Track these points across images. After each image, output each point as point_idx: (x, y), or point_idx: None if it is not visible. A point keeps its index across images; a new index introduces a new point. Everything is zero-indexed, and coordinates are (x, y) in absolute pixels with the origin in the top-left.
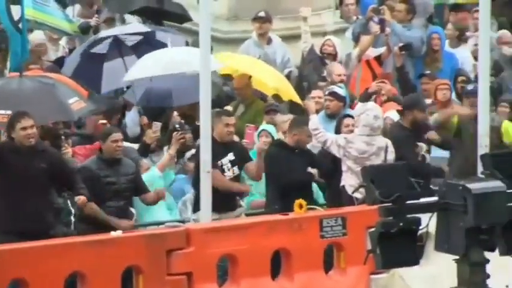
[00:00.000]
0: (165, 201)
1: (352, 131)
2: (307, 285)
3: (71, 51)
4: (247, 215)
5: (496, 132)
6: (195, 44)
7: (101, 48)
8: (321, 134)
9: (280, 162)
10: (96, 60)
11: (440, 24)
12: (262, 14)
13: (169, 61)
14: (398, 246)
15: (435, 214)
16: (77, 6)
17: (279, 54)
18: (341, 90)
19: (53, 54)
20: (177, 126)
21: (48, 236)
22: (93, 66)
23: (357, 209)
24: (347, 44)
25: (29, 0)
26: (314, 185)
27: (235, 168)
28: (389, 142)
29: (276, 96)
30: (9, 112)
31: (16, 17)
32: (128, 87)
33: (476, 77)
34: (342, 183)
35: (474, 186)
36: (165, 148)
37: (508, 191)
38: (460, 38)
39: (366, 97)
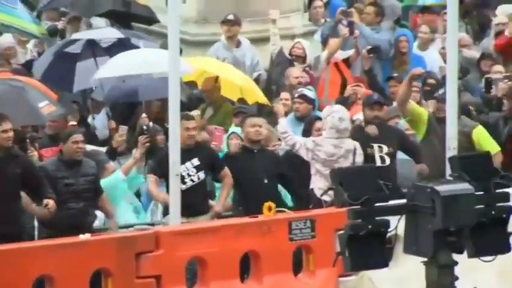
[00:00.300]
0: (131, 204)
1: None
2: (276, 287)
3: (39, 54)
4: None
5: (466, 137)
6: (164, 47)
7: (75, 48)
8: (289, 137)
9: (239, 164)
10: (69, 59)
11: (407, 27)
12: (231, 17)
13: (140, 61)
14: (367, 249)
15: (404, 216)
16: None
17: (248, 57)
18: (310, 93)
19: (22, 57)
20: (144, 128)
21: (21, 239)
22: (66, 66)
23: (326, 211)
24: (316, 47)
25: None
26: (281, 187)
27: (201, 174)
28: (357, 145)
29: (242, 100)
30: None
31: None
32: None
33: (443, 78)
34: (310, 186)
35: (442, 188)
36: (134, 151)
37: (476, 193)
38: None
39: (341, 101)
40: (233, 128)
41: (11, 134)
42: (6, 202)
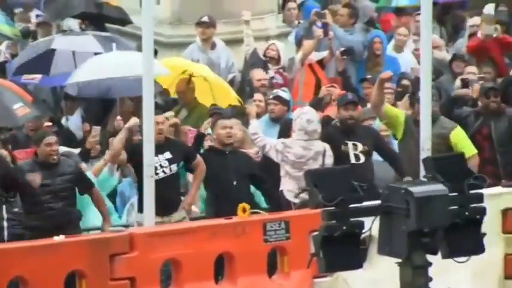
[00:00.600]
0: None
1: None
2: None
3: (12, 56)
4: (190, 219)
5: (444, 138)
6: (140, 49)
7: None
8: (259, 139)
9: (210, 165)
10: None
11: (380, 28)
12: (205, 19)
13: (114, 65)
14: (342, 250)
15: (378, 217)
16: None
17: (223, 59)
18: (285, 94)
19: None
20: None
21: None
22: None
23: (300, 212)
24: (290, 48)
25: None
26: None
27: (173, 166)
28: (327, 146)
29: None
30: None
31: None
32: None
33: (416, 79)
34: (280, 188)
35: (416, 189)
36: (107, 152)
37: (450, 194)
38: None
39: (316, 102)
40: (209, 130)
41: None
42: None
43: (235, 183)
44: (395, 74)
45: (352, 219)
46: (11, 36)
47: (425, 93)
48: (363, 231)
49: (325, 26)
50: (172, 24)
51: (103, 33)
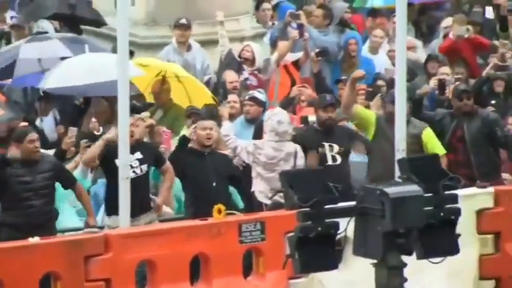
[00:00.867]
0: (74, 207)
1: None
2: None
3: None
4: (164, 220)
5: (416, 138)
6: (115, 50)
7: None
8: (231, 140)
9: (189, 167)
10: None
11: (356, 30)
12: (184, 21)
13: (85, 70)
14: (317, 251)
15: (353, 218)
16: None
17: (199, 60)
18: (261, 95)
19: None
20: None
21: None
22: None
23: (276, 213)
24: (265, 49)
25: None
26: (232, 189)
27: (144, 166)
28: (298, 147)
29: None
30: None
31: None
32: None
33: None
34: (252, 189)
35: (391, 190)
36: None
37: (425, 195)
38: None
39: (287, 102)
40: (185, 131)
41: None
42: None
43: (214, 184)
44: (371, 75)
45: (327, 220)
46: None
47: (400, 94)
48: (338, 232)
49: (300, 27)
50: (147, 25)
51: (69, 35)
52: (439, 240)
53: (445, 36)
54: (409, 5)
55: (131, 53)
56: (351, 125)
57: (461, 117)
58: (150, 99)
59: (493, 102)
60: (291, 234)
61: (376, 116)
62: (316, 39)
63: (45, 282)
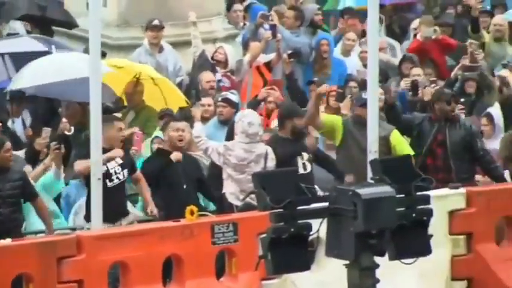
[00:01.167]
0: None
1: None
2: None
3: None
4: (138, 222)
5: (385, 140)
6: (87, 52)
7: None
8: (202, 141)
9: (159, 169)
10: None
11: (328, 31)
12: (156, 22)
13: (55, 68)
14: (290, 252)
15: (326, 219)
16: None
17: (171, 62)
18: (234, 97)
19: None
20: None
21: None
22: None
23: (249, 215)
24: (238, 50)
25: None
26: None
27: (125, 172)
28: (269, 149)
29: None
30: None
31: None
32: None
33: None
34: (223, 191)
35: (364, 191)
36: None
37: (397, 196)
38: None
39: (254, 103)
40: (157, 132)
41: None
42: None
43: (185, 186)
44: (342, 76)
45: (299, 221)
46: None
47: (372, 96)
48: (311, 233)
49: (273, 28)
50: (119, 26)
51: (38, 36)
52: (411, 241)
53: (415, 37)
54: (381, 6)
55: (103, 55)
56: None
57: (442, 123)
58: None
59: (462, 100)
60: (263, 235)
61: (343, 120)
62: (288, 40)
63: (17, 284)
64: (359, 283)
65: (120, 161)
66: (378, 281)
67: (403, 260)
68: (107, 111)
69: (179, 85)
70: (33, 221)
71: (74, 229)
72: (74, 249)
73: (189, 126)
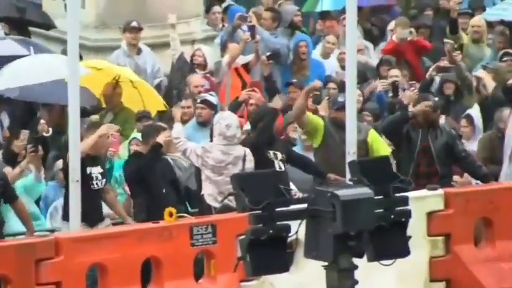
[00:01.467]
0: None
1: None
2: None
3: None
4: (115, 224)
5: (363, 141)
6: (65, 53)
7: None
8: (181, 143)
9: (139, 171)
10: None
11: (307, 33)
12: (134, 24)
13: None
14: (268, 253)
15: (304, 221)
16: None
17: (149, 63)
18: (213, 98)
19: None
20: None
21: None
22: None
23: (227, 216)
24: (217, 52)
25: None
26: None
27: (104, 181)
28: (247, 151)
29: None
30: None
31: None
32: None
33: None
34: (202, 192)
35: (342, 192)
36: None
37: (376, 197)
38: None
39: (235, 105)
40: (135, 134)
41: None
42: None
43: (164, 190)
44: (321, 78)
45: (278, 223)
46: None
47: (351, 97)
48: (290, 234)
49: (252, 29)
50: (97, 28)
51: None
52: (389, 242)
53: None
54: (359, 8)
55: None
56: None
57: (424, 129)
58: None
59: (435, 99)
60: (242, 236)
61: (324, 122)
62: (267, 41)
63: None
64: (338, 284)
65: (101, 170)
66: (356, 282)
67: (381, 262)
68: (84, 113)
69: (158, 86)
70: (12, 223)
71: (52, 231)
72: (52, 251)
73: (167, 128)
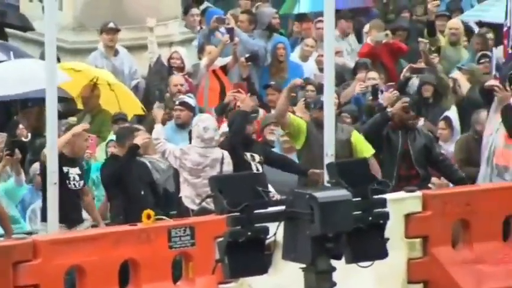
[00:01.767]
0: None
1: None
2: None
3: None
4: (94, 226)
5: (346, 142)
6: (44, 56)
7: None
8: (160, 144)
9: (117, 174)
10: None
11: (285, 35)
12: (111, 25)
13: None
14: (247, 256)
15: (283, 223)
16: None
17: (126, 65)
18: (191, 100)
19: None
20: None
21: None
22: None
23: (206, 218)
24: (194, 54)
25: None
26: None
27: (81, 182)
28: (225, 153)
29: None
30: None
31: None
32: None
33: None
34: (180, 195)
35: (320, 194)
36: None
37: (354, 199)
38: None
39: (222, 108)
40: (112, 136)
41: None
42: None
43: (142, 192)
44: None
45: (256, 225)
46: None
47: (329, 99)
48: (268, 236)
49: (230, 31)
50: (75, 30)
51: None
52: (367, 244)
53: None
54: (337, 11)
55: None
56: (280, 132)
57: (403, 132)
58: (81, 104)
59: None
60: (220, 239)
61: (307, 124)
62: (246, 43)
63: None
64: (316, 286)
65: (79, 171)
66: (334, 284)
67: (359, 263)
68: (61, 116)
69: (135, 88)
70: None
71: (30, 233)
72: (30, 253)
73: (145, 131)
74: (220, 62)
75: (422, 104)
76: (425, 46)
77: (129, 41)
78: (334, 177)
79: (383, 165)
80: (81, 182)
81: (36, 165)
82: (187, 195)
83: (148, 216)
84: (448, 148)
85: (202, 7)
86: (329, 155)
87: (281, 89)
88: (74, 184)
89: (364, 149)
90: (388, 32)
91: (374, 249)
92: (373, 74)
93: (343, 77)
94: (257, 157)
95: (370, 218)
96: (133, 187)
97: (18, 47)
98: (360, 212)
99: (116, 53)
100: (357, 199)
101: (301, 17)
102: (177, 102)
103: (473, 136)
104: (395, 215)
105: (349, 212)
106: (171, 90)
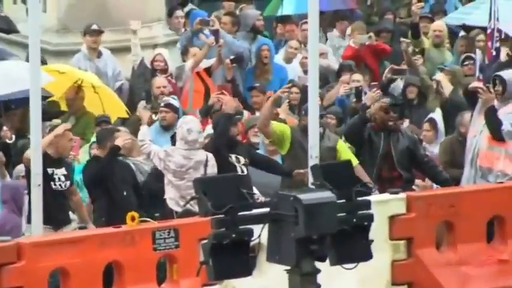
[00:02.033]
0: None
1: None
2: None
3: None
4: (81, 228)
5: (333, 150)
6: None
7: None
8: (145, 145)
9: (97, 175)
10: None
11: (270, 37)
12: (95, 27)
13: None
14: (231, 258)
15: (267, 225)
16: None
17: (110, 67)
18: (176, 102)
19: None
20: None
21: None
22: None
23: (190, 220)
24: (178, 56)
25: None
26: None
27: (67, 183)
28: (210, 155)
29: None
30: None
31: None
32: None
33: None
34: (164, 196)
35: (305, 196)
36: None
37: (338, 201)
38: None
39: (206, 109)
40: (95, 138)
41: None
42: None
43: (125, 193)
44: (283, 82)
45: (241, 227)
46: None
47: (313, 101)
48: (252, 238)
49: (215, 34)
50: (58, 32)
51: None
52: (352, 246)
53: None
54: (321, 13)
55: (43, 62)
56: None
57: (386, 133)
58: (64, 106)
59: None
60: (205, 241)
61: (291, 129)
62: (231, 45)
63: None
64: None
65: (65, 172)
66: (319, 286)
67: (344, 265)
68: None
69: (119, 90)
70: None
71: None
72: (14, 255)
73: (127, 131)
74: (205, 63)
75: (406, 105)
76: (407, 46)
77: (113, 43)
78: (319, 179)
79: (363, 166)
80: (67, 183)
81: (20, 167)
82: (172, 197)
83: (133, 218)
84: (433, 150)
85: (186, 9)
86: (313, 157)
87: (265, 91)
88: (59, 185)
89: (349, 158)
90: (372, 34)
91: (358, 251)
92: (357, 76)
93: (327, 78)
94: (242, 159)
95: (355, 220)
96: (116, 188)
97: (3, 49)
98: (344, 214)
99: (100, 54)
100: (341, 201)
101: (285, 19)
102: (162, 104)
103: (457, 138)
104: (379, 217)
105: (333, 214)
106: (154, 92)
